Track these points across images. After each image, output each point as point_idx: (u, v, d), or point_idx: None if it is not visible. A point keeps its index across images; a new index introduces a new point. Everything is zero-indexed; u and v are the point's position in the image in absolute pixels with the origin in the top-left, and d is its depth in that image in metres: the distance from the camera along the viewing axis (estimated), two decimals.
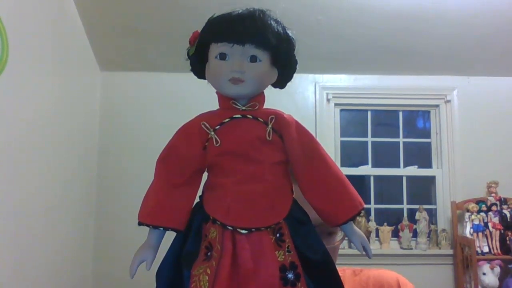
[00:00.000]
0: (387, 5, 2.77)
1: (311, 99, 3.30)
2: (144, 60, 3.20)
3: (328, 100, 3.33)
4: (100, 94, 3.26)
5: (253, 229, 0.74)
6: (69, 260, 2.80)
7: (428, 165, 3.41)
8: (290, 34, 0.81)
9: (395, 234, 3.27)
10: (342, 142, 3.38)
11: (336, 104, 3.37)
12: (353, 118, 3.55)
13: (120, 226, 3.10)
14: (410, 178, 3.41)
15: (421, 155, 3.45)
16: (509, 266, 3.04)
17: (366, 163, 3.41)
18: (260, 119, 0.79)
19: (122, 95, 3.29)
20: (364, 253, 0.80)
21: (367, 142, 3.44)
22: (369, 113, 3.45)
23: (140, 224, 0.78)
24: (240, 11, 0.79)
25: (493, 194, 3.17)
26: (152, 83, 3.29)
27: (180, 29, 2.91)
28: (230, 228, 0.74)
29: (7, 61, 2.02)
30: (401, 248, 3.21)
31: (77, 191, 2.92)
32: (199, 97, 3.13)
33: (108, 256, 3.12)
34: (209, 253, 0.73)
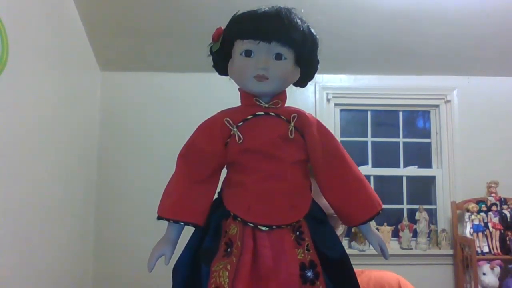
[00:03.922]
0: (387, 5, 2.77)
1: (311, 99, 3.30)
2: (144, 60, 3.20)
3: (328, 100, 3.33)
4: (100, 94, 3.25)
5: (274, 227, 0.74)
6: (69, 260, 2.80)
7: (428, 165, 3.41)
8: (314, 34, 0.82)
9: (395, 234, 3.27)
10: (342, 142, 3.33)
11: (336, 104, 3.37)
12: (353, 118, 3.55)
13: (120, 226, 3.10)
14: (410, 178, 3.40)
15: (421, 155, 3.44)
16: (509, 266, 3.05)
17: (366, 163, 3.41)
18: (283, 117, 0.79)
19: (122, 95, 3.29)
20: (380, 253, 0.81)
21: (367, 142, 3.44)
22: (369, 113, 3.45)
23: (159, 218, 0.77)
24: (266, 9, 0.79)
25: (493, 194, 3.17)
26: (152, 83, 3.29)
27: (180, 29, 2.92)
28: (251, 224, 0.74)
29: (7, 61, 2.01)
30: (401, 248, 3.21)
31: (77, 191, 2.92)
32: (199, 97, 3.15)
33: (108, 256, 3.12)
34: (229, 249, 0.73)
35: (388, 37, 2.98)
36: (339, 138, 3.37)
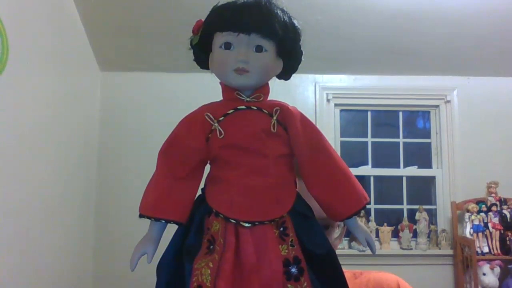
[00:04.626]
0: (387, 5, 2.77)
1: (311, 99, 3.30)
2: (144, 60, 3.20)
3: (328, 100, 3.33)
4: (100, 94, 3.25)
5: (257, 223, 0.72)
6: (69, 260, 2.80)
7: (428, 165, 3.41)
8: (296, 24, 0.79)
9: (395, 234, 3.27)
10: (342, 142, 3.38)
11: (336, 104, 3.37)
12: (353, 118, 3.55)
13: (120, 225, 3.10)
14: (410, 178, 3.40)
15: (421, 155, 3.44)
16: (509, 266, 3.04)
17: (366, 163, 3.41)
18: (265, 111, 0.77)
19: (122, 95, 3.29)
20: (367, 248, 0.79)
21: (367, 142, 3.44)
22: (369, 113, 3.45)
23: (141, 216, 0.76)
24: None
25: (493, 195, 3.17)
26: (152, 83, 3.29)
27: (180, 29, 2.91)
28: (233, 221, 0.73)
29: (7, 61, 2.01)
30: (401, 248, 3.21)
31: (77, 191, 2.92)
32: (199, 97, 3.13)
33: (108, 256, 3.12)
34: (211, 247, 0.72)
35: (388, 37, 2.98)
36: (339, 138, 3.37)
